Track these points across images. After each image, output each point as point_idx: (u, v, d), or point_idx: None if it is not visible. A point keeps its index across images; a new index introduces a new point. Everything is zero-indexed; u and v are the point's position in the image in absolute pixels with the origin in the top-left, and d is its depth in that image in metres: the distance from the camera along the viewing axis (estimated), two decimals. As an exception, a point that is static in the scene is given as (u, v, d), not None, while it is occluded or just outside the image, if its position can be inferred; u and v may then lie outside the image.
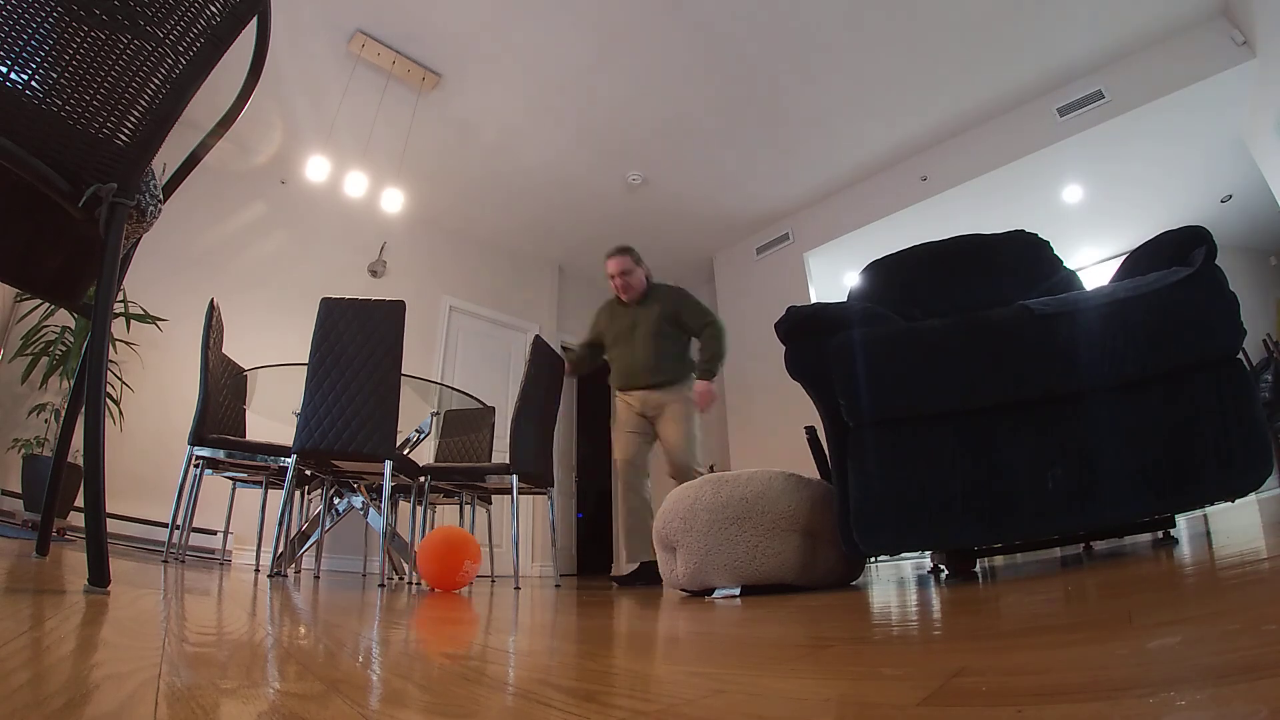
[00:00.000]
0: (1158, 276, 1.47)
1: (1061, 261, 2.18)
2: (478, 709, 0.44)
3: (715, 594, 1.78)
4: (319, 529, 2.86)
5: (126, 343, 3.63)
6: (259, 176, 4.60)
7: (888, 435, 1.53)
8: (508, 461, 2.79)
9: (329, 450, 2.34)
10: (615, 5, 3.52)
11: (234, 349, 3.17)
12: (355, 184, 4.04)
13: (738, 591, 1.74)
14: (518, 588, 2.59)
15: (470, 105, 4.24)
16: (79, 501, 2.20)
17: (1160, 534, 1.74)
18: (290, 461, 2.38)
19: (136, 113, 1.03)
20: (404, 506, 3.47)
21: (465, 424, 3.73)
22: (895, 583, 1.97)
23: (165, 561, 2.53)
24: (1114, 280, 1.71)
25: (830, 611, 1.17)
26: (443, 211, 5.41)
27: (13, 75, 0.92)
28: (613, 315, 3.40)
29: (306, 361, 2.46)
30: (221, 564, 3.13)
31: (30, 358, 3.30)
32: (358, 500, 2.90)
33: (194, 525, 2.87)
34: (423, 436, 3.37)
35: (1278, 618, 0.52)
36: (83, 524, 0.97)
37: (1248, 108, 3.73)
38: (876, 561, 3.52)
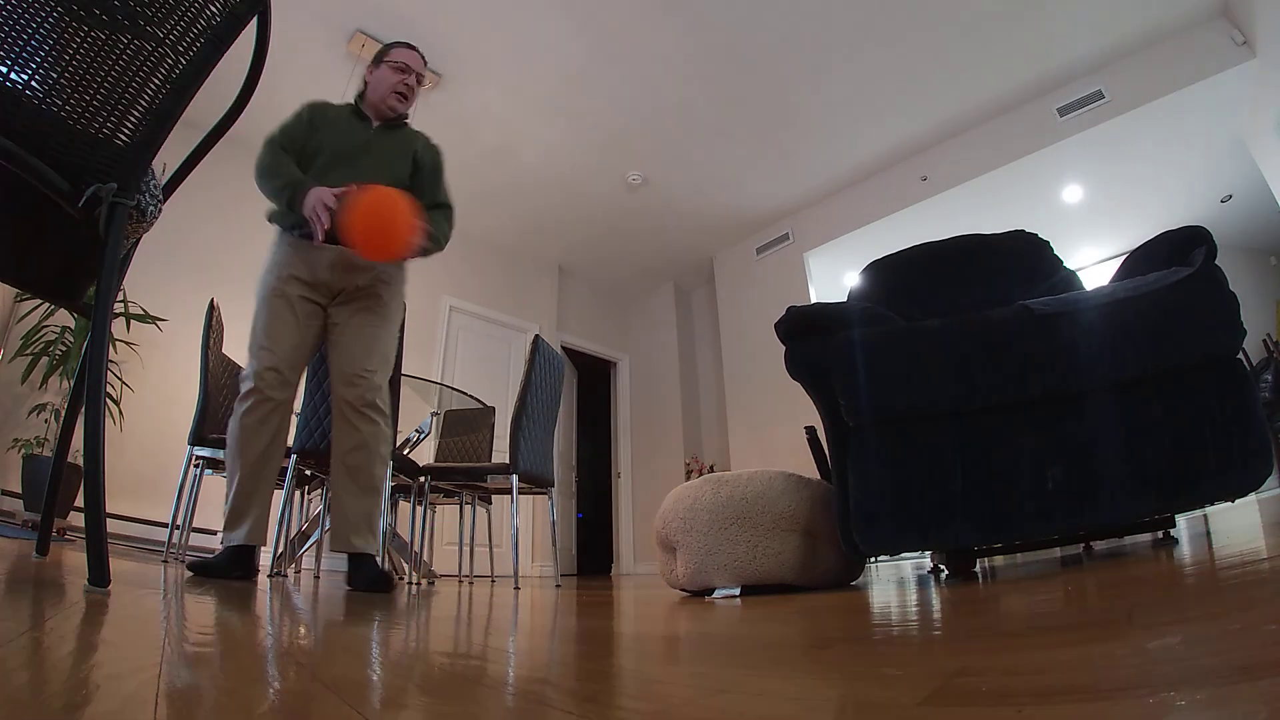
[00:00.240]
0: (1158, 276, 1.47)
1: (1061, 261, 2.18)
2: (478, 710, 0.44)
3: (715, 594, 1.78)
4: (319, 529, 2.86)
5: (126, 343, 3.63)
6: (259, 176, 4.59)
7: (888, 435, 1.53)
8: (508, 461, 2.79)
9: (329, 450, 2.33)
10: (614, 5, 3.52)
11: (234, 349, 3.16)
12: (355, 184, 4.03)
13: (738, 591, 1.74)
14: (517, 588, 2.59)
15: (470, 105, 4.23)
16: (79, 501, 2.20)
17: (1160, 534, 1.74)
18: (290, 461, 2.38)
19: (136, 113, 1.03)
20: (404, 506, 3.46)
21: (465, 424, 3.74)
22: (895, 583, 1.97)
23: (165, 561, 2.53)
24: (1114, 280, 1.71)
25: (830, 611, 1.17)
26: (443, 211, 5.41)
27: (13, 75, 0.92)
28: (339, 123, 2.26)
29: (306, 361, 2.45)
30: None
31: (30, 358, 3.30)
32: (358, 500, 2.89)
33: (194, 525, 2.87)
34: (423, 436, 3.37)
35: (1278, 618, 0.52)
36: (83, 524, 0.97)
37: (1248, 108, 3.73)
38: (876, 561, 3.52)
